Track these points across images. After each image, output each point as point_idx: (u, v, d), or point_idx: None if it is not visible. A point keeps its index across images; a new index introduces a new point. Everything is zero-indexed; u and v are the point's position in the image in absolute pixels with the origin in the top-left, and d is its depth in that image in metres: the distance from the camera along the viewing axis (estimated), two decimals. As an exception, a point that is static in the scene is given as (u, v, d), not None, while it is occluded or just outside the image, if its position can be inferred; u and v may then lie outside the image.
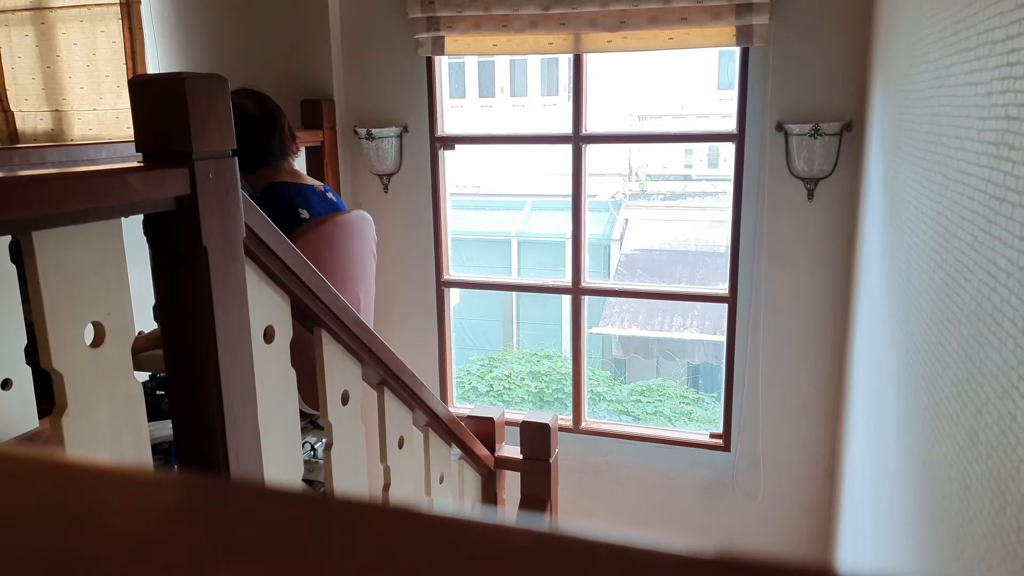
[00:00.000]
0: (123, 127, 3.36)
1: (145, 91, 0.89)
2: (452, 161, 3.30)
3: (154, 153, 0.89)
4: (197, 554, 0.17)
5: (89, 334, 0.83)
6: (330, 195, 2.04)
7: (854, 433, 2.42)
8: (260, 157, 1.94)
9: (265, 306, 1.13)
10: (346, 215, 1.98)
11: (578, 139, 2.99)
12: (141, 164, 0.88)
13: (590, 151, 3.04)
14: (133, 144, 0.90)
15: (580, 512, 3.19)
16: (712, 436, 3.10)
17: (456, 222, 3.63)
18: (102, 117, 3.38)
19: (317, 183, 2.04)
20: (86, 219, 0.80)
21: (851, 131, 2.64)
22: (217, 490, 0.19)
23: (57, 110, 3.39)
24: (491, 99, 11.49)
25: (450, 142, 3.21)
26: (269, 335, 1.14)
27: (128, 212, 0.85)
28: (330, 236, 1.90)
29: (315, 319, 1.27)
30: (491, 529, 0.17)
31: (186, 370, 0.95)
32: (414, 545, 0.17)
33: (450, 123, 3.27)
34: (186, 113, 0.86)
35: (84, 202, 0.78)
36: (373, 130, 3.14)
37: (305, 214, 1.88)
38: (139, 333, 1.73)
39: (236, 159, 0.96)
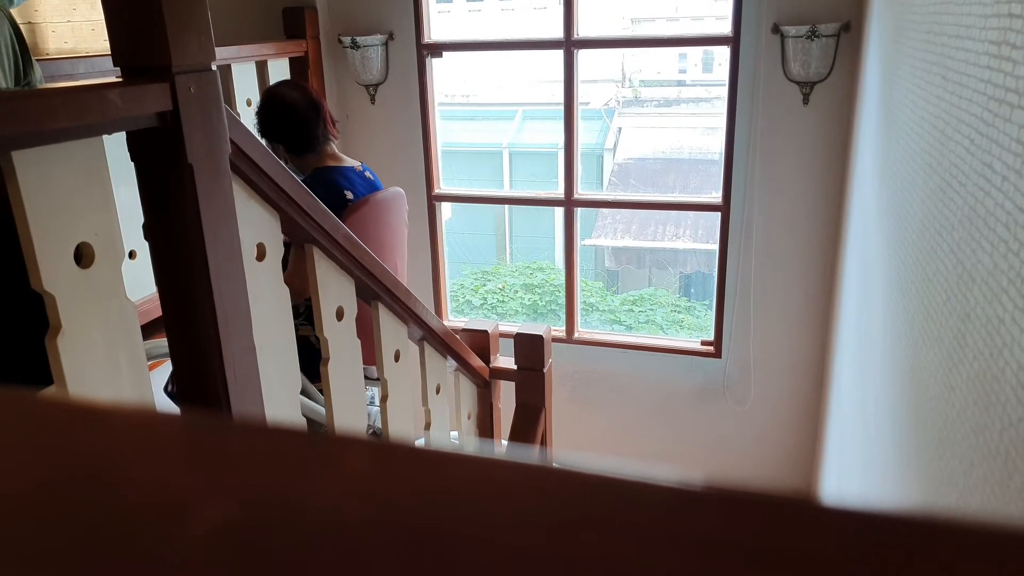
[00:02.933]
0: (100, 39, 3.25)
1: (117, 0, 0.85)
2: (440, 69, 3.21)
3: (132, 67, 0.86)
4: (175, 493, 0.17)
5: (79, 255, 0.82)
6: (368, 174, 2.23)
7: (844, 338, 2.46)
8: (307, 143, 2.13)
9: (255, 223, 1.12)
10: (384, 193, 2.20)
11: (570, 44, 2.91)
12: (120, 80, 0.86)
13: (582, 56, 2.96)
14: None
15: (574, 420, 3.27)
16: (703, 343, 3.15)
17: (446, 133, 3.56)
18: (77, 29, 3.26)
19: (356, 163, 2.23)
20: (66, 137, 0.78)
21: (849, 32, 2.56)
22: (200, 426, 0.19)
23: (30, 22, 3.26)
24: (479, 3, 11.07)
25: (437, 49, 3.12)
26: (261, 252, 1.13)
27: (109, 130, 0.83)
28: (372, 213, 2.12)
29: (306, 236, 1.26)
30: (477, 463, 0.17)
31: (178, 287, 0.95)
32: (399, 483, 0.17)
33: (437, 29, 3.16)
34: (162, 23, 0.83)
35: (63, 120, 0.76)
36: (358, 38, 3.04)
37: (350, 195, 2.10)
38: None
39: (217, 72, 0.94)
